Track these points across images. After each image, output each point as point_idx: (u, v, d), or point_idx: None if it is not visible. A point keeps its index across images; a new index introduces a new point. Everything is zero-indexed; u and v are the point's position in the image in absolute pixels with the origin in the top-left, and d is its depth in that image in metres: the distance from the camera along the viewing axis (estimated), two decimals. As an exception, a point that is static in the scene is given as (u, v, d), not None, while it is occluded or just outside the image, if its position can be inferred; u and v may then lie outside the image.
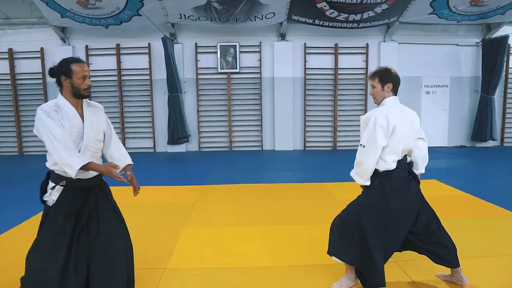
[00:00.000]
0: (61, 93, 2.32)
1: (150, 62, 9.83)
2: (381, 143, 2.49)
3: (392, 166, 2.56)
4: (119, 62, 9.82)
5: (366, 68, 9.65)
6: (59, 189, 2.24)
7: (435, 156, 8.49)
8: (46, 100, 9.53)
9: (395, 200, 2.54)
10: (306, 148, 9.96)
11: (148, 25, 8.91)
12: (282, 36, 9.54)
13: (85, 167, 2.12)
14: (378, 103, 2.71)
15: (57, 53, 9.64)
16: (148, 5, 8.24)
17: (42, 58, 9.77)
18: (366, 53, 9.65)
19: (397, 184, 2.58)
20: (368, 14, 8.23)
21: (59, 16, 8.61)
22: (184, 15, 8.58)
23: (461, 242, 2.89)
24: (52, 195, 2.24)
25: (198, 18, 8.63)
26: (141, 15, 8.53)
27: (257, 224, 4.23)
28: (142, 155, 9.25)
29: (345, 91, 9.80)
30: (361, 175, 2.65)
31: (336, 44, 9.56)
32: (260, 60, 9.74)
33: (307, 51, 9.64)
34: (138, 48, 9.79)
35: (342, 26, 8.78)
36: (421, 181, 2.74)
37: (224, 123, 10.02)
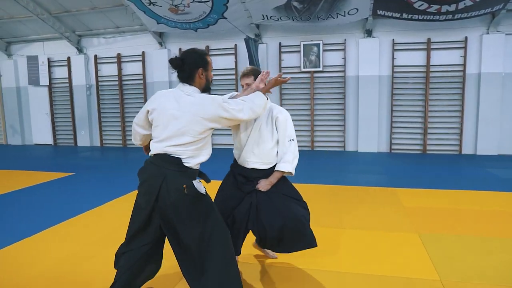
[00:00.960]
0: (191, 85, 2.34)
1: (236, 62, 10.23)
2: None
3: None
4: (208, 63, 10.39)
5: (464, 64, 8.67)
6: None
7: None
8: (146, 99, 10.58)
9: None
10: (392, 151, 9.37)
11: (234, 27, 9.28)
12: (368, 33, 9.10)
13: None
14: None
15: (155, 56, 10.65)
16: (232, 8, 8.58)
17: (143, 61, 10.85)
18: (465, 48, 8.66)
19: None
20: (464, 3, 7.37)
21: (155, 22, 9.48)
22: (266, 15, 8.73)
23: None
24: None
25: (280, 18, 8.70)
26: (226, 18, 8.92)
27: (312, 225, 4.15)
28: (227, 152, 9.68)
29: (438, 90, 8.94)
30: (295, 166, 2.88)
31: (429, 39, 8.77)
32: (344, 58, 9.43)
33: (395, 47, 9.03)
34: (225, 49, 10.27)
35: (434, 18, 8.01)
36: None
37: (307, 122, 9.96)
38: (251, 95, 2.50)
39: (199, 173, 2.39)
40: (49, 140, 12.06)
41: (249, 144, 2.79)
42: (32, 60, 11.70)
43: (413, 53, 9.00)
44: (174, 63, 2.33)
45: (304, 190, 5.71)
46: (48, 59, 11.62)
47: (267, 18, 8.88)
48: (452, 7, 7.55)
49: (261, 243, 3.03)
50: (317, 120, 9.88)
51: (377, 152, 9.35)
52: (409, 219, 4.32)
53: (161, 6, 8.67)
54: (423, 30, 8.73)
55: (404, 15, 8.19)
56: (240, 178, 2.86)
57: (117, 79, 11.08)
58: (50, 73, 11.69)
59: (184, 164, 2.26)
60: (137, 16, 9.52)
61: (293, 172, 2.84)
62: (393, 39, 9.01)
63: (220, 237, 2.32)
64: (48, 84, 11.72)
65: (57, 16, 10.47)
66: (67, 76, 11.56)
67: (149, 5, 8.66)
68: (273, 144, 2.82)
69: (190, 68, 2.33)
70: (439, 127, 9.06)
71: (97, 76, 11.29)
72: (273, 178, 2.82)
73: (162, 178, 2.22)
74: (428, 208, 4.75)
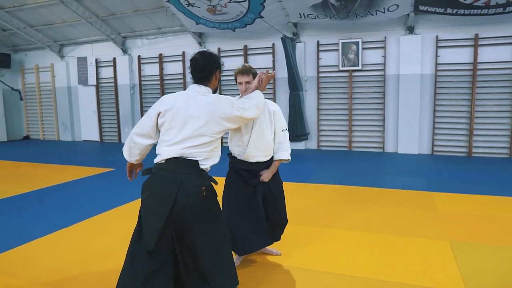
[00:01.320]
0: (206, 86, 2.36)
1: (273, 61, 10.22)
2: None
3: None
4: (246, 62, 10.46)
5: (517, 61, 8.09)
6: None
7: None
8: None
9: None
10: (434, 153, 8.93)
11: (271, 26, 9.26)
12: (410, 29, 8.72)
13: None
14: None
15: (195, 56, 10.87)
16: (269, 7, 8.57)
17: (183, 61, 11.12)
18: (518, 43, 8.07)
19: None
20: (516, -4, 6.88)
21: (194, 23, 9.68)
22: (303, 14, 8.63)
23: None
24: None
25: (317, 16, 8.57)
26: (263, 17, 8.93)
27: (338, 227, 4.07)
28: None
29: (486, 89, 8.39)
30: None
31: (476, 35, 8.25)
32: (384, 56, 9.11)
33: (439, 44, 8.59)
34: (263, 48, 10.29)
35: (482, 12, 7.52)
36: None
37: (344, 122, 9.74)
38: (252, 94, 2.59)
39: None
40: (96, 136, 12.71)
41: (253, 140, 2.94)
42: (82, 61, 12.38)
43: (459, 50, 8.51)
44: (199, 63, 2.34)
45: (336, 191, 5.65)
46: (96, 60, 12.24)
47: (304, 17, 8.78)
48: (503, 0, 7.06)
49: (269, 233, 3.13)
50: (355, 120, 9.64)
51: (418, 154, 8.96)
52: (441, 225, 4.11)
53: (199, 7, 8.85)
54: (470, 26, 8.22)
55: (449, 10, 7.77)
56: (244, 173, 3.00)
57: (158, 78, 11.45)
58: (97, 73, 12.32)
59: (200, 166, 2.24)
60: (177, 17, 9.78)
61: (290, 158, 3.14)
62: (436, 36, 8.57)
63: (226, 239, 2.36)
64: (95, 83, 12.35)
65: (104, 19, 11.00)
66: (112, 76, 12.12)
67: (187, 6, 8.86)
68: (272, 137, 3.05)
69: (210, 69, 2.35)
70: (486, 129, 8.50)
71: (140, 76, 11.73)
72: (274, 168, 3.08)
73: (178, 184, 2.15)
74: (465, 214, 4.49)
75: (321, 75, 9.82)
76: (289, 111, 9.86)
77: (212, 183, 2.33)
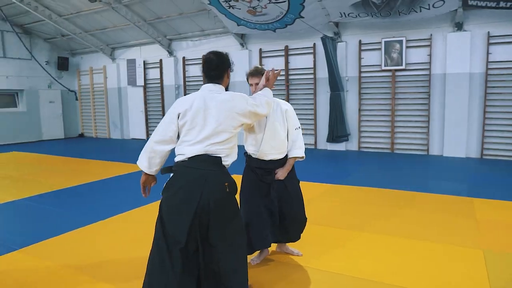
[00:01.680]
0: (220, 84, 2.43)
1: (314, 61, 10.14)
2: None
3: None
4: (287, 62, 10.49)
5: None
6: None
7: None
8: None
9: None
10: (484, 157, 8.41)
11: (312, 26, 9.20)
12: (458, 26, 8.28)
13: None
14: None
15: (236, 56, 10.91)
16: (309, 7, 8.53)
17: (226, 62, 11.33)
18: None
19: None
20: None
21: (236, 24, 9.85)
22: (344, 13, 8.49)
23: None
24: None
25: (358, 15, 8.39)
26: (304, 17, 8.89)
27: (366, 230, 3.99)
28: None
29: (544, 89, 7.79)
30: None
31: (533, 30, 7.68)
32: (430, 54, 8.72)
33: (490, 41, 8.06)
34: (304, 49, 10.24)
35: (539, 7, 7.00)
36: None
37: (386, 123, 9.46)
38: (261, 91, 2.65)
39: None
40: (143, 135, 13.32)
41: (266, 139, 3.01)
42: (131, 63, 13.02)
43: (513, 47, 7.96)
44: (212, 62, 2.42)
45: (371, 194, 5.52)
46: (144, 61, 12.82)
47: (345, 16, 8.63)
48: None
49: (285, 233, 3.19)
50: (398, 121, 9.32)
51: (465, 158, 8.49)
52: (477, 233, 3.90)
53: (239, 9, 8.99)
54: (525, 21, 7.67)
55: (502, 4, 7.27)
56: (259, 170, 3.08)
57: (201, 79, 11.69)
58: (145, 74, 12.90)
59: (223, 163, 2.31)
60: (219, 19, 10.00)
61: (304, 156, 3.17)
62: (488, 32, 8.06)
63: (243, 235, 2.44)
64: (143, 84, 12.94)
65: (151, 23, 11.50)
66: (159, 77, 12.64)
67: (228, 8, 9.03)
68: (285, 135, 3.10)
69: (223, 67, 2.44)
70: (543, 131, 7.90)
71: (184, 77, 12.14)
72: (289, 165, 3.12)
73: (203, 180, 2.20)
74: (504, 223, 4.22)
75: (363, 75, 9.61)
76: (329, 112, 9.75)
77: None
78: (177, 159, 2.31)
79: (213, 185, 2.21)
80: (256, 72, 3.00)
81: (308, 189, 5.77)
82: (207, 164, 2.25)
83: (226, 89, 2.49)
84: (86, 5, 10.83)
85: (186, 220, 2.16)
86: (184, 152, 2.27)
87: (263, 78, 2.75)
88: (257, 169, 3.09)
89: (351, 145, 9.92)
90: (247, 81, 3.06)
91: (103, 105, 14.25)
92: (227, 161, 2.35)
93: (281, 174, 3.08)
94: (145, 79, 12.94)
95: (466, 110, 8.43)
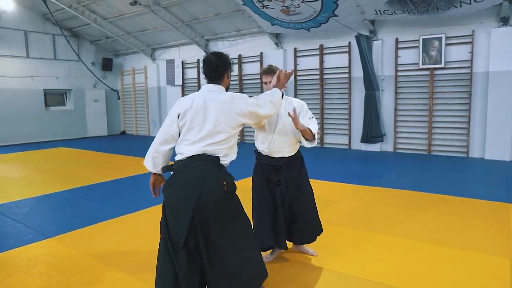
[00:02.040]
0: (220, 85, 2.45)
1: (349, 60, 9.98)
2: None
3: None
4: (321, 61, 10.40)
5: None
6: None
7: None
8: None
9: None
10: (530, 160, 7.92)
11: (347, 24, 9.06)
12: (504, 21, 7.82)
13: None
14: None
15: (271, 56, 11.10)
16: (343, 5, 8.40)
17: (261, 61, 11.43)
18: None
19: None
20: None
21: (270, 24, 9.90)
22: (379, 10, 8.28)
23: None
24: None
25: (394, 12, 8.15)
26: (338, 16, 8.78)
27: (387, 233, 3.92)
28: (337, 151, 9.63)
29: None
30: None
31: None
32: (471, 52, 8.31)
33: (539, 37, 7.59)
34: (339, 48, 10.11)
35: None
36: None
37: (424, 124, 9.13)
38: (269, 91, 2.68)
39: None
40: (180, 133, 13.69)
41: (276, 136, 3.06)
42: (170, 63, 13.45)
43: None
44: (212, 63, 2.45)
45: (399, 196, 5.38)
46: (182, 61, 13.19)
47: (380, 13, 8.42)
48: None
49: (298, 234, 3.22)
50: (436, 122, 8.97)
51: (510, 161, 8.02)
52: (508, 241, 3.70)
53: (273, 9, 9.02)
54: None
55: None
56: (268, 167, 3.12)
57: (237, 79, 11.92)
58: (183, 74, 13.27)
59: (221, 162, 2.36)
60: (254, 19, 10.09)
61: (316, 138, 3.15)
62: (536, 27, 7.58)
63: (248, 234, 2.46)
64: (181, 84, 13.32)
65: (189, 24, 11.81)
66: (196, 77, 12.95)
67: (262, 8, 9.10)
68: (295, 132, 3.10)
69: (223, 68, 2.47)
70: None
71: (220, 77, 12.32)
72: (301, 125, 3.00)
73: (201, 178, 2.24)
74: (541, 231, 3.97)
75: (399, 73, 9.33)
76: (364, 111, 9.56)
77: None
78: (177, 158, 2.37)
79: (211, 184, 2.25)
80: (269, 71, 3.03)
81: (335, 190, 5.77)
82: (205, 163, 2.29)
83: (227, 90, 2.54)
84: (128, 8, 11.33)
85: (185, 218, 2.21)
86: (183, 151, 2.33)
87: (274, 78, 2.76)
88: (267, 166, 3.13)
89: (386, 146, 9.67)
90: (261, 79, 3.11)
91: (143, 103, 14.83)
92: (226, 161, 2.38)
93: (300, 124, 2.98)
94: (183, 79, 13.31)
95: (510, 110, 7.96)
